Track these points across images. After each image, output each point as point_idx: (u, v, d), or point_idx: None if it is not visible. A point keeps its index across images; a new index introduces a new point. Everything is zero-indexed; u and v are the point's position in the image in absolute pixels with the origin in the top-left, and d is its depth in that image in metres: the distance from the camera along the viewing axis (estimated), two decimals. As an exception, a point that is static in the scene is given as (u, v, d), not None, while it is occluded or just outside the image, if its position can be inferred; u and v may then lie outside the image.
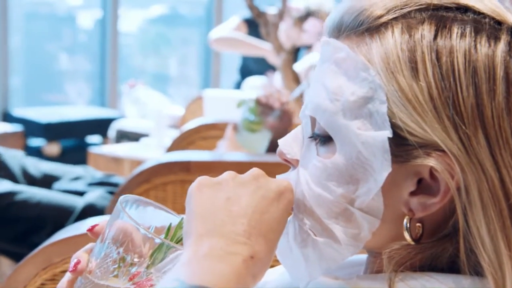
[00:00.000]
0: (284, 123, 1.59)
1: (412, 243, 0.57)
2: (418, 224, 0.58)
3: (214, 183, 0.60)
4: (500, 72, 0.54)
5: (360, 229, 0.59)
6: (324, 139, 0.60)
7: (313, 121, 0.62)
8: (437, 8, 0.58)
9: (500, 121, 0.54)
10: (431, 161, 0.55)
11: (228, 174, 0.61)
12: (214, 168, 1.45)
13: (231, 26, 3.29)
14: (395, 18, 0.58)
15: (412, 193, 0.57)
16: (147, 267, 0.64)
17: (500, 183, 0.54)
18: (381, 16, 0.58)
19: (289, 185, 0.60)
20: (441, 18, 0.57)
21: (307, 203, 0.60)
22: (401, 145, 0.56)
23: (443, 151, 0.55)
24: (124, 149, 2.77)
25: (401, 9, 0.58)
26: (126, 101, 3.43)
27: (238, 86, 3.47)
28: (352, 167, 0.58)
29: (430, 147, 0.55)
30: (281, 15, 2.25)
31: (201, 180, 0.60)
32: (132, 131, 3.19)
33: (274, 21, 2.24)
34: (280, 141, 0.65)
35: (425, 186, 0.57)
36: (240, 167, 1.46)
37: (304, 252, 0.61)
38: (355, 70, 0.58)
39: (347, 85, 0.58)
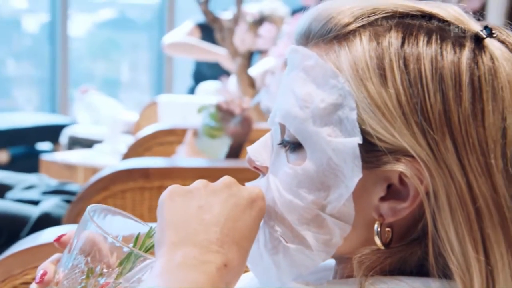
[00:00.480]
0: (244, 129, 1.59)
1: (382, 247, 0.58)
2: (387, 229, 0.59)
3: (186, 192, 0.59)
4: (465, 78, 0.56)
5: (331, 235, 0.59)
6: (294, 146, 0.60)
7: (283, 128, 0.62)
8: (403, 16, 0.59)
9: (466, 126, 0.55)
10: (401, 167, 0.56)
11: (199, 183, 0.61)
12: (173, 175, 1.45)
13: (184, 31, 3.28)
14: (362, 26, 0.59)
15: (382, 199, 0.58)
16: (116, 277, 0.64)
17: (467, 187, 0.55)
18: (348, 24, 0.59)
19: (260, 192, 0.61)
20: (407, 25, 0.58)
21: (278, 210, 0.60)
22: (371, 151, 0.57)
23: (412, 156, 0.56)
24: (77, 156, 2.72)
25: (368, 17, 0.59)
26: (78, 107, 3.37)
27: (191, 91, 3.45)
28: (323, 173, 0.58)
29: (399, 152, 0.56)
30: (236, 20, 2.26)
31: (173, 188, 0.60)
32: (85, 137, 3.14)
33: (229, 26, 2.24)
34: (249, 149, 0.65)
35: (394, 191, 0.58)
36: (200, 173, 1.46)
37: (275, 259, 0.61)
38: (324, 78, 0.58)
39: (317, 92, 0.58)
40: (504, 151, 0.55)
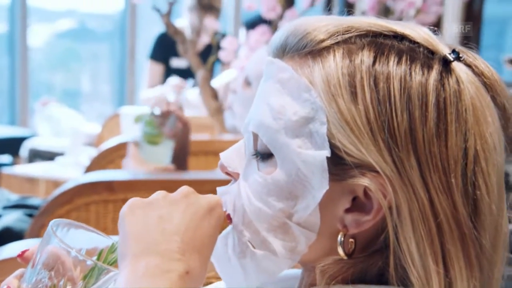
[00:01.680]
0: (182, 128, 1.60)
1: (345, 258, 0.60)
2: (351, 240, 0.60)
3: (145, 204, 0.61)
4: (432, 99, 0.57)
5: (297, 243, 0.61)
6: (266, 155, 0.62)
7: (255, 136, 0.64)
8: (376, 35, 0.61)
9: (430, 145, 0.57)
10: (366, 181, 0.58)
11: (159, 194, 0.62)
12: (137, 187, 1.45)
13: (149, 75, 3.36)
14: (337, 43, 0.61)
15: (347, 210, 0.60)
16: None
17: (429, 203, 0.57)
18: (323, 40, 0.61)
19: (219, 200, 0.62)
20: (380, 45, 0.60)
21: (246, 217, 0.62)
22: (338, 164, 0.59)
23: (377, 172, 0.58)
24: (38, 169, 2.68)
25: (343, 34, 0.61)
26: (39, 119, 3.32)
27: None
28: (292, 183, 0.60)
29: (365, 167, 0.58)
30: (198, 32, 2.27)
31: (133, 201, 0.61)
32: (46, 150, 3.10)
33: (192, 38, 2.25)
34: (221, 154, 0.67)
35: (359, 204, 0.60)
36: (164, 185, 1.46)
37: (242, 263, 0.63)
38: (298, 91, 0.60)
39: (291, 104, 0.60)
40: (464, 171, 0.58)
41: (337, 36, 0.61)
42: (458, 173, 0.57)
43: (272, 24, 2.18)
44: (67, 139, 2.94)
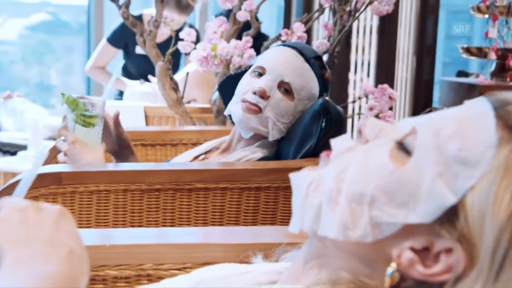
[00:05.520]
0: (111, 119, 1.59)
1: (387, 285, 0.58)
2: (396, 274, 0.59)
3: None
4: None
5: (354, 229, 0.60)
6: (405, 150, 0.61)
7: (414, 131, 0.62)
8: None
9: None
10: (457, 248, 0.55)
11: (10, 214, 0.60)
12: (86, 180, 1.44)
13: (100, 52, 3.36)
14: None
15: (413, 249, 0.58)
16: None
17: None
18: None
19: (60, 207, 0.61)
20: None
21: (347, 177, 0.61)
22: (450, 215, 0.56)
23: (471, 252, 0.55)
24: (0, 163, 2.67)
25: None
26: (2, 113, 3.30)
27: (120, 93, 3.44)
28: (404, 189, 0.58)
29: (466, 238, 0.55)
30: (157, 24, 2.27)
31: None
32: (9, 142, 3.08)
33: (150, 30, 2.25)
34: (373, 119, 0.66)
35: (425, 254, 0.58)
36: (112, 177, 1.45)
37: (313, 202, 0.63)
38: (485, 138, 0.57)
39: (468, 140, 0.57)
40: None
41: None
42: None
43: (230, 15, 2.18)
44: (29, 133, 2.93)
